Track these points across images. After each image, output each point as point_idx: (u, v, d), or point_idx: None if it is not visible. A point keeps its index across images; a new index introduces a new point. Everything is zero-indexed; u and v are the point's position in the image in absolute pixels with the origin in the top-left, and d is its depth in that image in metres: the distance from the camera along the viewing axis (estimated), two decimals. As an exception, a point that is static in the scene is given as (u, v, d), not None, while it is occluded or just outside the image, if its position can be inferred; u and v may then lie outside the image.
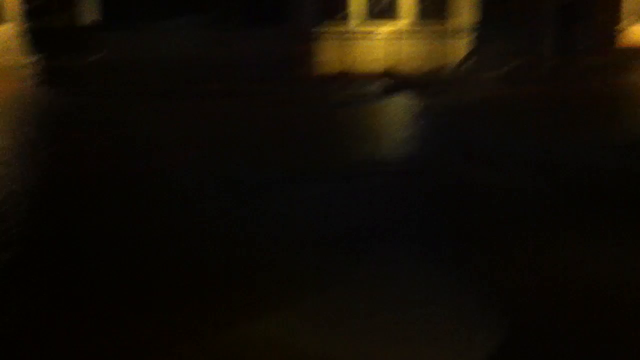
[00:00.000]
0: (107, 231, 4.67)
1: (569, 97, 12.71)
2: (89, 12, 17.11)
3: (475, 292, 3.47)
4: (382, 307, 3.32)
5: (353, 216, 4.92)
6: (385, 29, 18.49)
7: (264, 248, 4.23)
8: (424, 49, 18.19)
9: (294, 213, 5.01)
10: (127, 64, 15.69)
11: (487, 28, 18.43)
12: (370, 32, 18.49)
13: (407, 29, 18.47)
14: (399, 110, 11.22)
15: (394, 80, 15.04)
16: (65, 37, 15.38)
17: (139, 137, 8.52)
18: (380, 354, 2.85)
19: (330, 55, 18.28)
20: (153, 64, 15.64)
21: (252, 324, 3.15)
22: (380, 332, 3.03)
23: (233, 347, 2.94)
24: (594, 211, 5.09)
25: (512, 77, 15.52)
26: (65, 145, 8.01)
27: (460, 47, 20.25)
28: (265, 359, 2.84)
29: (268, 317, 3.16)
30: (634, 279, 3.76)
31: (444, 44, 19.04)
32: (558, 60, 17.62)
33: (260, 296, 3.45)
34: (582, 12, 19.18)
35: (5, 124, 9.41)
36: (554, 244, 4.34)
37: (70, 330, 3.10)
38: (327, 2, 19.62)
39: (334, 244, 4.24)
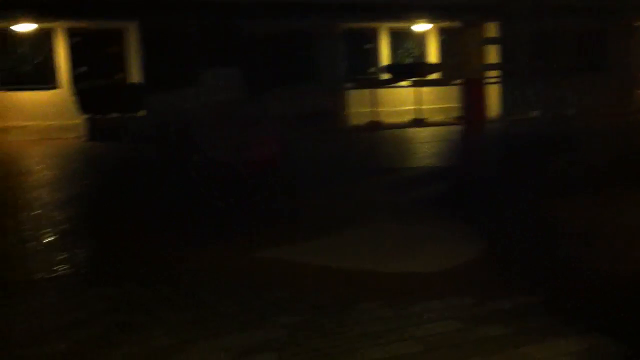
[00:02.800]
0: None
1: None
2: (134, 74, 18.25)
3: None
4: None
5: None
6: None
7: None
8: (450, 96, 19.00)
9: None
10: (169, 119, 16.68)
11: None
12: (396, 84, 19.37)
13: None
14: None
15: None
16: (113, 97, 16.39)
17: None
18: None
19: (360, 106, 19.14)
20: (192, 119, 16.61)
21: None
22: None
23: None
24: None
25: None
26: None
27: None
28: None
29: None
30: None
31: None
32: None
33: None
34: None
35: (66, 171, 10.27)
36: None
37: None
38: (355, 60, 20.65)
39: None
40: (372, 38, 21.20)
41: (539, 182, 7.22)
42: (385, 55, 21.19)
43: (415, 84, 18.89)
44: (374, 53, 21.23)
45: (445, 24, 20.11)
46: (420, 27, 21.22)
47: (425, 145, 12.92)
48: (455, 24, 12.98)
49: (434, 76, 19.42)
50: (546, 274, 3.98)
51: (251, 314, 3.38)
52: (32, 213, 6.48)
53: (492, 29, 18.13)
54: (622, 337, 2.93)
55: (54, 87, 17.99)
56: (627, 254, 4.31)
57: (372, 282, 3.90)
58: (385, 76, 19.87)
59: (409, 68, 20.16)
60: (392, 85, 19.25)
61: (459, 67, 6.02)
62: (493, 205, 5.97)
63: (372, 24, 20.71)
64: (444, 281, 3.91)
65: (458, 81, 6.66)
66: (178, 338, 3.08)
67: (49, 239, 5.32)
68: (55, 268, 4.41)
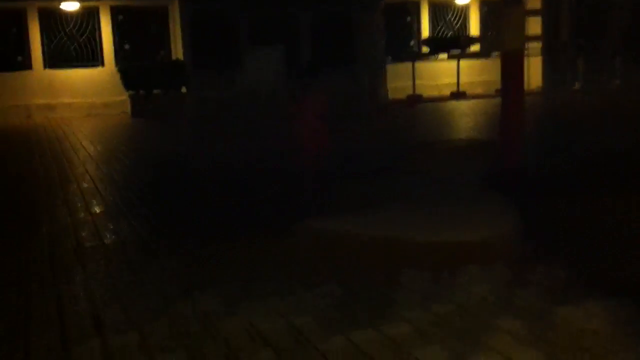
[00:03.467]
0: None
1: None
2: (177, 51, 18.49)
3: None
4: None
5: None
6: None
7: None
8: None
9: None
10: (212, 97, 16.95)
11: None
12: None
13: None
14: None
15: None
16: (156, 74, 16.67)
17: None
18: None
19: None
20: (235, 97, 16.87)
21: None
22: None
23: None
24: None
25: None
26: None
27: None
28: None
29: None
30: None
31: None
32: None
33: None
34: None
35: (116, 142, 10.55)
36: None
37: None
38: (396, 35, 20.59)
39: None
40: (413, 12, 21.10)
41: (576, 156, 7.23)
42: (425, 29, 21.09)
43: (454, 57, 18.77)
44: (414, 27, 21.14)
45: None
46: (462, -1, 21.05)
47: (464, 118, 12.92)
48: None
49: (474, 49, 19.35)
50: (586, 244, 4.06)
51: (300, 281, 3.54)
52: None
53: (535, 1, 17.94)
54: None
55: (99, 65, 18.35)
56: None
57: (415, 251, 4.02)
58: (424, 50, 19.80)
59: (448, 41, 20.05)
60: (432, 59, 19.19)
61: (498, 39, 6.03)
62: (534, 179, 6.02)
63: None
64: (484, 250, 4.01)
65: (497, 54, 6.64)
66: (229, 303, 3.26)
67: (99, 211, 5.57)
68: (107, 237, 4.63)
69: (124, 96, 17.20)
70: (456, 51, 18.80)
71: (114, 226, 4.97)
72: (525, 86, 20.17)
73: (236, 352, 2.68)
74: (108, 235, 4.69)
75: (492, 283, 3.34)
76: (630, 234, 4.33)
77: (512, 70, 5.93)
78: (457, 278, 3.45)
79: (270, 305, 3.18)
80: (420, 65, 19.27)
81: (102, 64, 18.39)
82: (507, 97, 6.01)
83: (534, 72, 21.00)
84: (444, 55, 19.36)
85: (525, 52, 17.73)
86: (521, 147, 6.15)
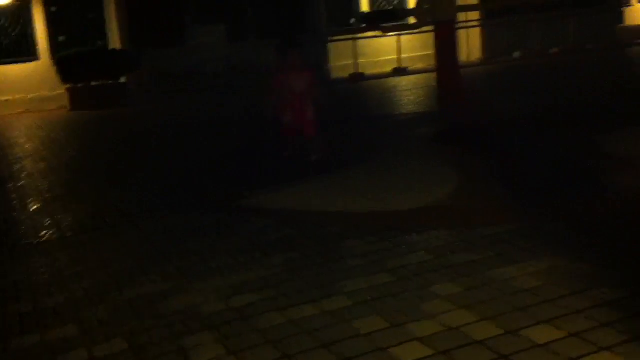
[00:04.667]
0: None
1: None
2: (115, 39, 18.14)
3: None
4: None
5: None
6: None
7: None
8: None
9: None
10: (154, 80, 16.72)
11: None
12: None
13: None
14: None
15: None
16: (94, 65, 16.29)
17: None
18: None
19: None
20: (176, 78, 16.72)
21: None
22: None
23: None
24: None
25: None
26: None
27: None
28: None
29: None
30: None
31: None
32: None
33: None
34: None
35: (51, 142, 10.33)
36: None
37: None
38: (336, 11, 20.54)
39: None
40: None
41: (512, 119, 7.40)
42: (365, 4, 21.10)
43: (388, 30, 18.82)
44: (355, 3, 21.13)
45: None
46: (400, -27, 21.10)
47: (405, 93, 13.01)
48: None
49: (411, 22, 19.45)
50: (521, 203, 4.14)
51: (242, 259, 3.54)
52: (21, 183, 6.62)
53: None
54: (583, 257, 3.09)
55: (34, 59, 17.90)
56: (603, 183, 4.46)
57: (360, 220, 4.06)
58: (362, 25, 19.80)
59: (384, 14, 20.09)
60: (373, 36, 19.20)
61: (431, 10, 6.09)
62: (473, 143, 6.14)
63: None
64: (425, 216, 4.06)
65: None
66: (171, 284, 3.24)
67: (35, 207, 5.46)
68: (44, 233, 4.54)
69: (62, 90, 16.81)
70: (389, 25, 18.87)
71: (51, 220, 4.87)
72: (466, 58, 20.56)
73: (179, 335, 2.65)
74: (45, 230, 4.59)
75: (431, 249, 3.38)
76: (568, 181, 4.45)
77: (445, 38, 5.99)
78: (398, 246, 3.48)
79: (211, 284, 3.17)
80: (362, 43, 19.29)
81: (38, 57, 17.96)
82: (442, 64, 6.08)
83: (473, 43, 21.26)
84: (379, 32, 19.39)
85: (464, 23, 17.85)
86: (460, 107, 6.28)
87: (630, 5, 24.07)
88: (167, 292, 3.14)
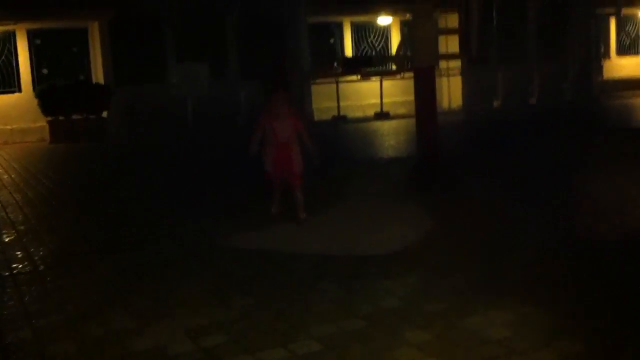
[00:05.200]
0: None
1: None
2: (98, 73, 18.16)
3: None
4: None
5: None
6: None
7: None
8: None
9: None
10: (135, 115, 16.73)
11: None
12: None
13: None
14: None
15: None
16: (76, 98, 16.26)
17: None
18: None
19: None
20: (158, 114, 16.74)
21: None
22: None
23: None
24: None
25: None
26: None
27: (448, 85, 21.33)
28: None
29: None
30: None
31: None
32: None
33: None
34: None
35: (28, 174, 10.25)
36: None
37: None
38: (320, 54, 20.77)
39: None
40: (336, 32, 21.36)
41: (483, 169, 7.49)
42: (348, 49, 21.37)
43: (366, 74, 19.08)
44: (338, 47, 21.39)
45: (406, 16, 20.33)
46: (383, 20, 21.42)
47: (385, 137, 13.11)
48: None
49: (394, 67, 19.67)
50: (487, 253, 4.16)
51: (211, 296, 3.51)
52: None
53: (451, 19, 18.40)
54: (549, 307, 3.10)
55: (16, 90, 17.85)
56: (571, 230, 4.50)
57: (333, 265, 4.05)
58: (340, 69, 20.02)
59: (363, 60, 20.35)
60: (356, 79, 19.41)
61: (410, 56, 6.18)
62: (443, 191, 6.19)
63: (337, 18, 20.88)
64: (395, 261, 4.06)
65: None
66: (139, 321, 3.20)
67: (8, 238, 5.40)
68: (15, 266, 4.48)
69: (42, 122, 16.74)
70: (370, 69, 19.11)
71: (23, 253, 4.81)
72: (446, 105, 20.81)
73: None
74: (17, 263, 4.53)
75: (403, 296, 3.38)
76: (537, 229, 4.48)
77: (423, 85, 6.07)
78: (369, 291, 3.47)
79: (180, 323, 3.13)
80: (345, 86, 19.49)
81: (20, 89, 17.91)
82: (420, 110, 6.16)
83: (454, 90, 21.55)
84: (367, 76, 19.59)
85: (444, 71, 18.14)
86: (436, 154, 6.34)
87: (608, 59, 24.61)
88: (134, 330, 3.11)
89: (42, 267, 4.43)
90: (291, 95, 5.34)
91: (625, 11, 23.68)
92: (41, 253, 4.81)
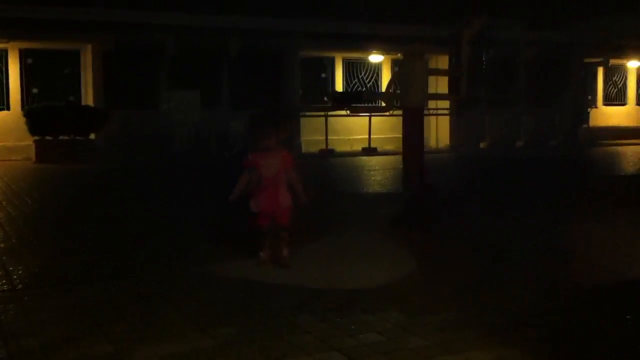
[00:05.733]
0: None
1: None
2: (89, 95, 18.17)
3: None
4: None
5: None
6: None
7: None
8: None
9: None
10: (123, 140, 16.71)
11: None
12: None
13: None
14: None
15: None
16: (65, 119, 16.23)
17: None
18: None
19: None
20: (148, 140, 16.74)
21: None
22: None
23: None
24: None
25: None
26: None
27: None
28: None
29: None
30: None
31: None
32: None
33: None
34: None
35: (11, 192, 10.18)
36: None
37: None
38: (310, 88, 20.92)
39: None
40: (328, 67, 21.55)
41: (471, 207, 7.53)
42: (339, 84, 21.56)
43: (355, 110, 19.24)
44: (329, 82, 21.57)
45: (397, 55, 20.55)
46: (375, 57, 21.65)
47: (372, 172, 13.17)
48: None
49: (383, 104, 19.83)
50: (471, 293, 4.16)
51: (191, 325, 3.48)
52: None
53: (442, 60, 18.63)
54: (533, 351, 3.10)
55: (5, 108, 17.83)
56: (553, 276, 4.52)
57: (312, 298, 4.03)
58: (329, 103, 20.18)
59: (351, 96, 20.55)
60: (344, 114, 19.54)
61: (399, 95, 6.25)
62: (431, 228, 6.21)
63: (329, 53, 21.08)
64: (381, 296, 4.05)
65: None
66: (116, 347, 3.17)
67: (-10, 256, 5.34)
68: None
69: (29, 141, 16.67)
70: (359, 105, 19.30)
71: (1, 271, 4.76)
72: (434, 144, 21.09)
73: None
74: (-6, 281, 4.48)
75: (384, 331, 3.37)
76: (519, 272, 4.50)
77: (411, 124, 6.12)
78: (350, 325, 3.46)
79: (159, 349, 3.10)
80: (334, 120, 19.62)
81: (8, 107, 17.89)
82: (408, 148, 6.20)
83: (442, 130, 21.74)
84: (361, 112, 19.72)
85: (434, 110, 18.38)
86: (421, 191, 6.39)
87: (595, 107, 24.95)
88: (112, 355, 3.07)
89: (20, 287, 4.38)
90: (282, 129, 4.85)
91: (613, 61, 24.07)
92: (20, 272, 4.76)
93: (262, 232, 4.82)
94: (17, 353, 3.13)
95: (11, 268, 4.85)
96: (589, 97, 24.82)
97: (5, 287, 4.36)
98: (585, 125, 23.51)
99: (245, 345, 3.19)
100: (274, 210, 4.73)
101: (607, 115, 25.25)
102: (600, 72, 25.14)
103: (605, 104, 25.53)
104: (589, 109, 24.06)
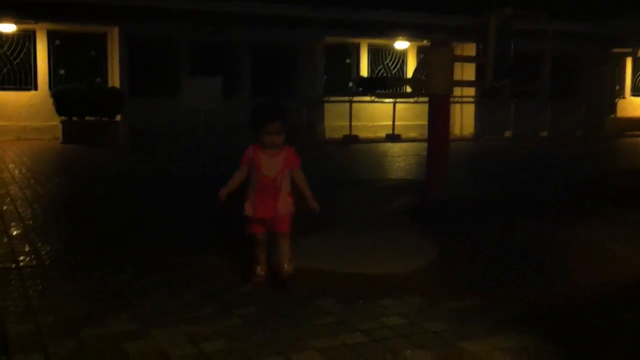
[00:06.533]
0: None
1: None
2: (114, 78, 18.31)
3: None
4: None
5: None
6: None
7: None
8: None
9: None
10: (147, 123, 16.84)
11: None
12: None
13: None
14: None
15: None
16: (91, 101, 16.41)
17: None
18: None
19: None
20: (168, 123, 16.87)
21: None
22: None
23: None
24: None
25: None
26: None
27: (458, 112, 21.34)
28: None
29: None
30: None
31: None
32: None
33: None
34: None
35: (39, 171, 10.33)
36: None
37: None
38: (335, 74, 20.90)
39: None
40: (353, 53, 21.50)
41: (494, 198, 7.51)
42: (364, 71, 21.51)
43: (381, 96, 19.16)
44: (354, 68, 21.53)
45: (423, 42, 20.46)
46: (400, 44, 21.55)
47: (395, 159, 13.16)
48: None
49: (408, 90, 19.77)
50: (495, 279, 4.18)
51: (211, 306, 3.53)
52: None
53: (469, 49, 18.51)
54: (551, 338, 3.12)
55: (32, 88, 18.02)
56: (571, 267, 4.51)
57: (333, 281, 4.06)
58: (355, 89, 20.15)
59: (377, 81, 20.49)
60: (369, 100, 19.51)
61: (425, 81, 6.24)
62: (452, 217, 6.20)
63: (354, 40, 21.02)
64: (400, 282, 4.07)
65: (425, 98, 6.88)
66: (140, 325, 3.23)
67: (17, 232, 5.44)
68: (21, 259, 4.52)
69: (56, 122, 16.88)
70: (384, 91, 19.22)
71: (30, 247, 4.85)
72: (458, 132, 20.97)
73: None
74: (23, 256, 4.57)
75: (405, 314, 3.40)
76: (536, 264, 4.50)
77: (438, 112, 6.11)
78: (371, 309, 3.49)
79: (182, 329, 3.15)
80: (358, 107, 19.59)
81: (36, 87, 18.09)
82: (432, 136, 6.19)
83: (467, 118, 21.63)
84: (387, 99, 19.67)
85: (459, 98, 18.24)
86: (443, 181, 6.38)
87: (622, 98, 24.66)
88: (137, 334, 3.12)
89: (47, 262, 4.47)
90: (287, 124, 3.97)
91: (641, 52, 23.73)
92: (48, 249, 4.85)
93: (257, 242, 4.05)
94: (43, 327, 3.20)
95: (39, 244, 4.96)
96: (617, 88, 24.54)
97: (34, 262, 4.45)
98: (613, 116, 23.26)
99: (269, 325, 3.23)
100: (272, 217, 3.97)
101: (635, 106, 24.96)
102: (629, 62, 24.84)
103: (633, 95, 25.24)
104: (616, 100, 23.81)
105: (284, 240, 4.04)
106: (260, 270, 4.05)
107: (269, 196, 3.94)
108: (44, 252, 4.72)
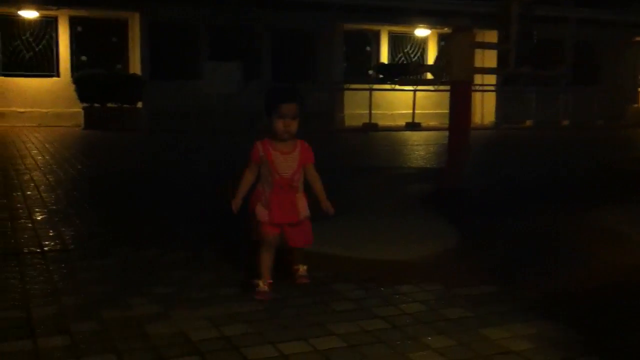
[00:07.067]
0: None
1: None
2: (135, 64, 18.39)
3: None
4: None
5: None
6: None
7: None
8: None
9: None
10: (167, 109, 16.91)
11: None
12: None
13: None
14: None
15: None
16: (112, 87, 16.52)
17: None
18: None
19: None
20: (189, 110, 16.92)
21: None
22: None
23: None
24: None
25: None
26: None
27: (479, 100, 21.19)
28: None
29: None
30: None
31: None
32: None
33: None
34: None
35: (61, 157, 10.43)
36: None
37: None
38: (355, 61, 20.83)
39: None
40: (373, 40, 21.42)
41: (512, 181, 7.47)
42: (385, 58, 21.42)
43: (402, 83, 19.06)
44: (374, 55, 21.45)
45: (443, 29, 20.33)
46: (421, 31, 21.44)
47: (415, 147, 13.13)
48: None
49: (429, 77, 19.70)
50: (514, 266, 4.17)
51: (230, 290, 3.56)
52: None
53: (490, 36, 18.37)
54: (572, 325, 3.11)
55: (54, 75, 18.15)
56: (589, 255, 4.50)
57: (350, 267, 4.07)
58: (375, 76, 20.08)
59: (398, 68, 20.42)
60: (389, 88, 19.44)
61: (446, 68, 6.22)
62: (471, 204, 6.20)
63: (374, 26, 20.94)
64: (419, 268, 4.08)
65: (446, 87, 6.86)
66: (160, 307, 3.26)
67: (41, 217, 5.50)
68: (46, 243, 4.58)
69: (77, 108, 17.01)
70: (405, 77, 19.15)
71: (54, 232, 4.92)
72: (479, 121, 20.87)
73: (167, 359, 2.67)
74: (48, 241, 4.64)
75: (425, 301, 3.41)
76: (555, 250, 4.50)
77: (459, 99, 6.09)
78: (390, 295, 3.50)
79: (202, 312, 3.19)
80: (378, 95, 19.54)
81: (58, 74, 18.22)
82: (453, 123, 6.17)
83: (488, 106, 21.49)
84: (405, 87, 19.57)
85: (480, 86, 18.07)
86: (462, 170, 6.37)
87: (645, 86, 24.39)
88: (154, 316, 3.15)
89: (71, 247, 4.53)
90: (304, 110, 3.48)
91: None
92: (72, 233, 4.91)
93: (267, 245, 3.52)
94: (66, 309, 3.24)
95: (63, 229, 5.02)
96: (638, 77, 24.26)
97: (58, 246, 4.51)
98: (635, 105, 23.03)
99: (288, 310, 3.25)
100: (291, 222, 3.54)
101: (657, 95, 24.67)
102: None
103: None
104: (638, 88, 23.55)
105: (299, 250, 3.72)
106: (263, 284, 3.49)
107: (286, 198, 3.51)
108: (67, 237, 4.79)
